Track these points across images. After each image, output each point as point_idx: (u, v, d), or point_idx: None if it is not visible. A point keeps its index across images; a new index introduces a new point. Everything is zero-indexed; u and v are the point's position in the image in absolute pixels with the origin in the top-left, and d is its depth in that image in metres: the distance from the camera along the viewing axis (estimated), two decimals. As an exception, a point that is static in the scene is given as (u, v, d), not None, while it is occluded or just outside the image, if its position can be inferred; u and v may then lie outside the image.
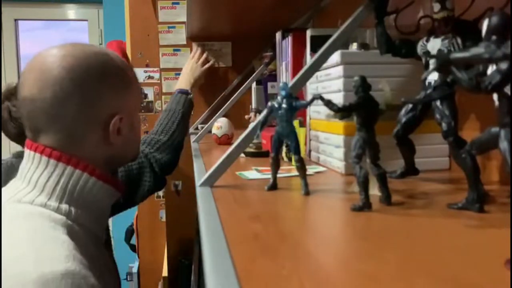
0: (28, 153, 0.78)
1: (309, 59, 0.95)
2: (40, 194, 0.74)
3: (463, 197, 0.52)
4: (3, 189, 0.78)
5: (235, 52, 1.99)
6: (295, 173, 0.65)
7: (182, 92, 1.47)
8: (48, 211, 0.72)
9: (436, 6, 0.59)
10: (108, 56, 0.81)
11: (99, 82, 0.78)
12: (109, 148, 0.81)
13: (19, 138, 1.18)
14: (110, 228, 3.68)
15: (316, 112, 0.92)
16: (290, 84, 0.65)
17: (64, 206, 0.74)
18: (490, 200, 0.55)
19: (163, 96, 1.99)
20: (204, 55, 1.75)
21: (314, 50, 1.00)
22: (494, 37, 0.41)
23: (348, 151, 0.71)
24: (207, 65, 1.72)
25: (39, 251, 0.64)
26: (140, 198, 1.31)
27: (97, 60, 0.78)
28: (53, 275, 0.61)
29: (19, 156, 1.23)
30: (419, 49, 0.64)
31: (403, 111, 0.65)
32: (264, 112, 0.66)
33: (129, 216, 2.75)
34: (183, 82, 1.58)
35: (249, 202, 0.61)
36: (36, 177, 0.75)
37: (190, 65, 1.68)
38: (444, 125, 0.56)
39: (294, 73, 1.11)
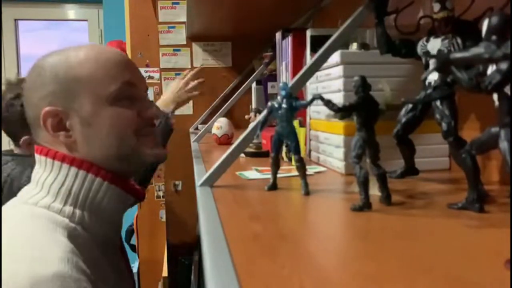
0: (37, 157, 0.78)
1: (309, 59, 0.95)
2: (46, 196, 0.74)
3: (463, 197, 0.52)
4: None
5: (235, 52, 1.99)
6: (295, 173, 0.65)
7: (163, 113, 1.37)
8: (51, 213, 0.72)
9: (436, 6, 0.59)
10: (73, 50, 0.79)
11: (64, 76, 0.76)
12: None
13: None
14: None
15: (316, 112, 0.92)
16: (290, 84, 0.65)
17: (68, 208, 0.73)
18: (490, 200, 0.55)
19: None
20: (194, 82, 1.55)
21: (314, 50, 1.00)
22: (494, 37, 0.41)
23: (348, 151, 0.71)
24: (194, 93, 1.54)
25: (35, 251, 0.64)
26: None
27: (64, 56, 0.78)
28: (43, 276, 0.60)
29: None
30: (419, 49, 0.64)
31: (403, 111, 0.65)
32: (264, 112, 0.66)
33: (129, 216, 2.75)
34: (166, 102, 1.47)
35: (249, 202, 0.61)
36: (43, 179, 0.76)
37: (178, 87, 1.52)
38: (444, 125, 0.56)
39: (294, 73, 1.11)
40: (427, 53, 0.63)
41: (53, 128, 0.76)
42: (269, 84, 1.54)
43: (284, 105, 0.63)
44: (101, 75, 0.77)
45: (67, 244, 0.67)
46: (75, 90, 0.76)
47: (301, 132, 0.97)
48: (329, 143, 0.84)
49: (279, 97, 0.64)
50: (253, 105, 1.68)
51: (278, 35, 1.29)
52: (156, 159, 0.85)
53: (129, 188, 0.82)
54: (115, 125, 0.77)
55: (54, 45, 3.84)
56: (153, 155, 0.82)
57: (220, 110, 1.62)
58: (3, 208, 0.75)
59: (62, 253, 0.64)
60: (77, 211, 0.74)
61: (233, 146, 0.66)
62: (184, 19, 1.82)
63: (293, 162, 0.65)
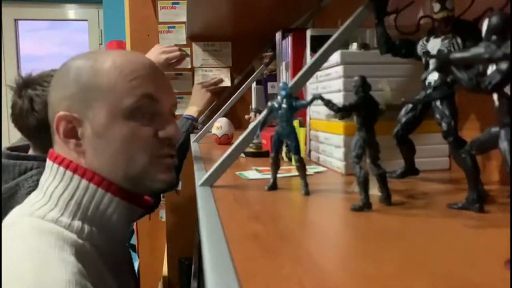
0: (48, 163, 0.75)
1: (309, 59, 0.95)
2: (54, 209, 0.70)
3: (463, 197, 0.52)
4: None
5: (235, 52, 1.99)
6: (295, 173, 0.65)
7: (188, 117, 1.54)
8: (59, 228, 0.67)
9: (436, 6, 0.59)
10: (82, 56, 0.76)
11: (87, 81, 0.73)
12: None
13: (37, 132, 1.08)
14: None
15: (316, 112, 0.92)
16: (290, 84, 0.65)
17: (77, 223, 0.69)
18: (490, 200, 0.55)
19: (163, 96, 1.99)
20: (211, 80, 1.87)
21: (314, 50, 1.00)
22: (494, 37, 0.41)
23: (348, 151, 0.71)
24: (213, 87, 1.83)
25: (39, 272, 0.59)
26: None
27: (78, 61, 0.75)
28: None
29: (9, 156, 1.11)
30: (419, 49, 0.64)
31: (403, 111, 0.65)
32: (264, 112, 0.66)
33: (129, 216, 2.75)
34: (192, 109, 1.63)
35: (249, 202, 0.61)
36: (51, 189, 0.71)
37: (199, 92, 1.74)
38: (444, 125, 0.56)
39: (294, 73, 1.11)
40: (427, 53, 0.62)
41: (65, 133, 0.72)
42: (269, 84, 1.53)
43: (284, 105, 0.63)
44: (120, 86, 0.72)
45: (75, 264, 0.63)
46: (92, 98, 0.71)
47: (301, 132, 0.97)
48: (329, 143, 0.84)
49: (279, 97, 0.64)
50: (253, 105, 1.67)
51: (278, 35, 1.30)
52: (163, 187, 0.78)
53: (139, 202, 0.78)
54: (126, 142, 0.72)
55: (54, 45, 3.84)
56: (161, 181, 0.77)
57: (220, 110, 1.62)
58: (6, 218, 0.70)
59: (70, 275, 0.60)
60: (86, 227, 0.70)
61: (233, 146, 0.66)
62: (184, 19, 1.82)
63: (293, 162, 0.64)
